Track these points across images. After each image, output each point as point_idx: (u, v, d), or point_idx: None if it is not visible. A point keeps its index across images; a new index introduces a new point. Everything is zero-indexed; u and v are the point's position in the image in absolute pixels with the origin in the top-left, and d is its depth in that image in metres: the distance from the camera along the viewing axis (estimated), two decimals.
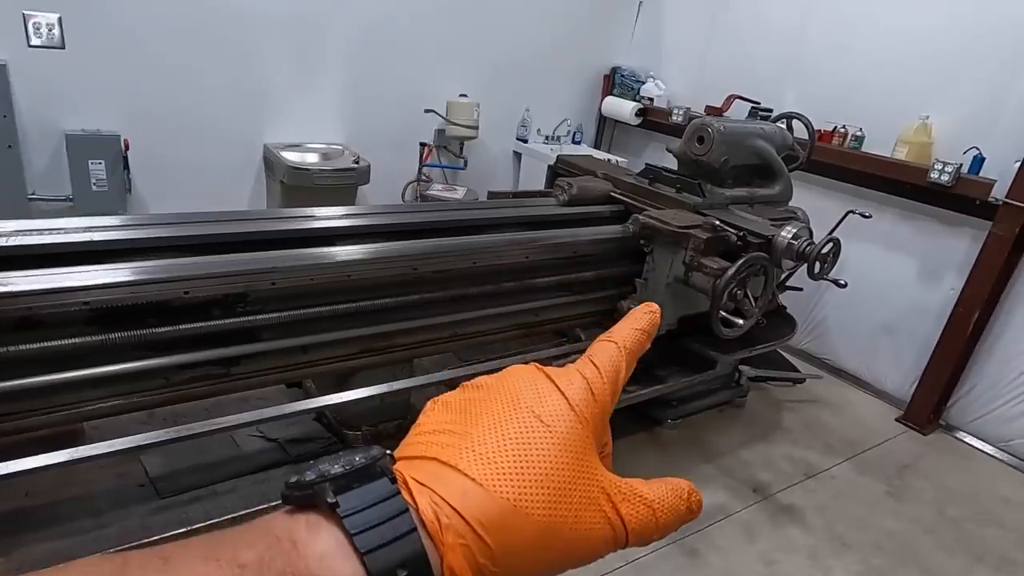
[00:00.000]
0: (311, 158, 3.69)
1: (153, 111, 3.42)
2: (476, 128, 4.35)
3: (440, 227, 2.28)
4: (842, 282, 2.44)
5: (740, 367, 3.50)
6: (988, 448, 3.43)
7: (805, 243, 2.43)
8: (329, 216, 2.16)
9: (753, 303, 2.43)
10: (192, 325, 1.70)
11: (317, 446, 2.12)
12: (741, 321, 2.30)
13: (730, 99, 3.81)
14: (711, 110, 4.00)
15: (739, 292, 2.32)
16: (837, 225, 2.98)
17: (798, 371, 3.91)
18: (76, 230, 1.68)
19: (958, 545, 2.68)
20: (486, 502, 0.35)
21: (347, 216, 2.18)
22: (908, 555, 2.58)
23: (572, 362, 0.45)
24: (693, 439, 3.12)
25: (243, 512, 1.77)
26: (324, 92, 4.00)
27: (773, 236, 2.47)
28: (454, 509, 0.34)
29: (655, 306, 0.47)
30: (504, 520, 0.35)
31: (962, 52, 3.35)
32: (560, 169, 3.27)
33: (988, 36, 3.24)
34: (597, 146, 5.41)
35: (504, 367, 0.45)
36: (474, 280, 2.21)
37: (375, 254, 1.96)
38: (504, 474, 0.35)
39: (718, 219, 2.40)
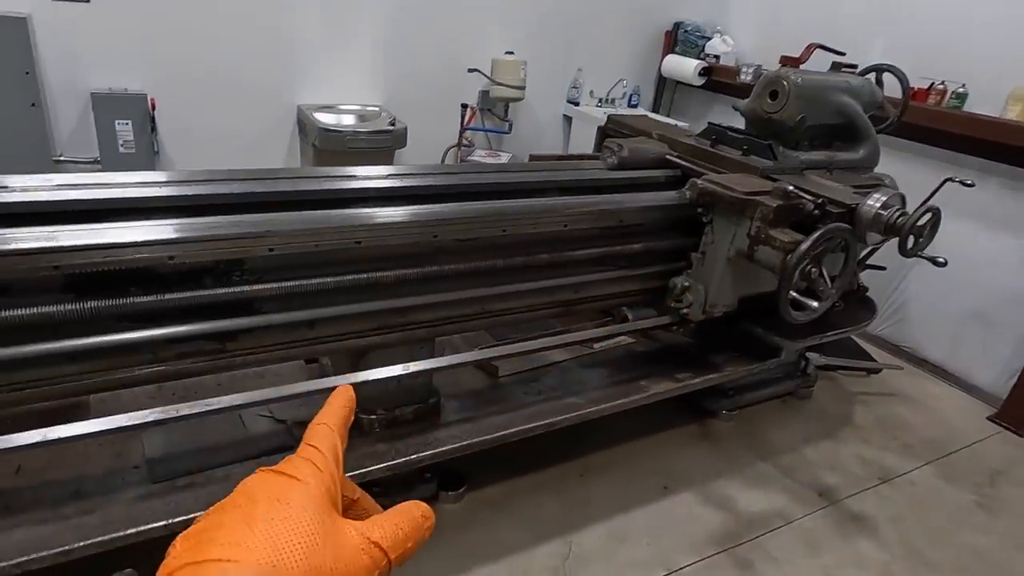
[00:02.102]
0: (345, 120, 3.49)
1: (181, 70, 3.28)
2: (523, 89, 4.05)
3: (470, 191, 2.02)
4: (941, 259, 2.06)
5: (807, 354, 3.14)
6: None
7: (897, 213, 2.06)
8: (347, 176, 1.94)
9: (829, 283, 2.09)
10: (179, 295, 1.52)
11: None
12: (815, 304, 1.97)
13: (810, 48, 3.37)
14: (787, 60, 3.56)
15: (813, 270, 1.99)
16: (931, 195, 2.57)
17: (874, 360, 3.52)
18: (49, 188, 1.51)
19: None
20: (246, 572, 0.38)
21: (367, 177, 1.95)
22: None
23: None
24: (750, 433, 2.81)
25: None
26: (361, 51, 3.77)
27: (858, 205, 2.11)
28: None
29: (348, 387, 0.56)
30: None
31: None
32: (611, 130, 2.96)
33: None
34: (655, 110, 5.02)
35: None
36: (504, 251, 1.95)
37: (388, 218, 1.72)
38: (257, 546, 0.39)
39: (791, 185, 2.06)
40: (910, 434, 2.96)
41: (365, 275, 1.72)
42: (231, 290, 1.59)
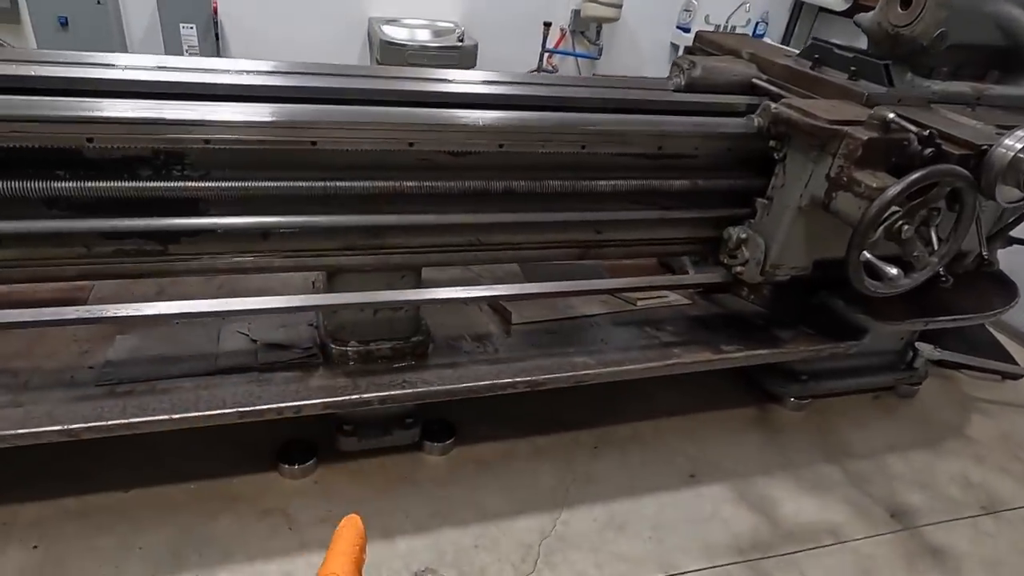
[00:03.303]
0: (409, 34, 3.24)
1: None
2: (618, 7, 3.56)
3: (486, 101, 1.69)
4: None
5: (917, 344, 2.54)
6: None
7: None
8: (334, 73, 1.69)
9: (934, 248, 1.58)
10: (110, 183, 1.37)
11: (291, 355, 1.77)
12: (895, 271, 1.47)
13: None
14: None
15: (906, 227, 1.48)
16: None
17: (1015, 363, 2.81)
18: None
19: None
20: None
21: (361, 76, 1.69)
22: None
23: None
24: (821, 428, 2.32)
25: (153, 418, 1.48)
26: None
27: (989, 147, 1.55)
28: None
29: (354, 517, 0.56)
30: None
31: None
32: (698, 50, 2.47)
33: None
34: (786, 41, 4.30)
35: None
36: (502, 172, 1.63)
37: (352, 117, 1.46)
38: None
39: (893, 113, 1.53)
40: None
41: (322, 183, 1.48)
42: (169, 184, 1.42)
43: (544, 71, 3.70)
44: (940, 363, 2.72)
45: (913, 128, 1.47)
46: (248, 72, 1.53)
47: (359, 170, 1.52)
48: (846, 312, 2.01)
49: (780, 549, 1.84)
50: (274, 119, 1.40)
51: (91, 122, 1.29)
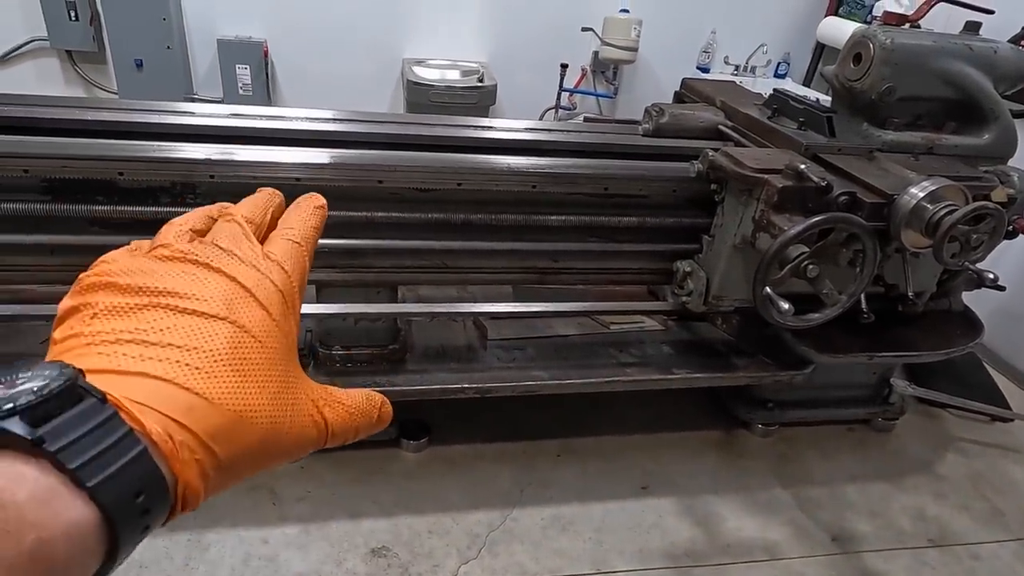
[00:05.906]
0: (435, 75, 3.57)
1: (297, 18, 3.58)
2: (633, 51, 3.78)
3: (453, 144, 1.98)
4: (990, 275, 1.57)
5: (892, 380, 2.60)
6: None
7: (944, 209, 1.60)
8: (324, 119, 2.00)
9: (855, 286, 1.71)
10: (138, 208, 1.71)
11: None
12: (786, 306, 1.62)
13: (929, 2, 2.68)
14: (892, 18, 2.88)
15: (811, 267, 1.64)
16: None
17: (1007, 406, 2.81)
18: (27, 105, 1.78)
19: None
20: (213, 415, 0.33)
21: (343, 120, 1.99)
22: None
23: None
24: (784, 455, 2.43)
25: None
26: (469, 7, 3.80)
27: (897, 195, 1.68)
28: (182, 425, 0.32)
29: (320, 199, 0.48)
30: (232, 430, 0.34)
31: None
32: (684, 96, 2.70)
33: None
34: (807, 82, 4.39)
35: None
36: (462, 206, 1.89)
37: (331, 159, 1.76)
38: (226, 387, 0.34)
39: (804, 163, 1.70)
40: (1009, 501, 2.34)
41: None
42: (185, 209, 1.74)
43: (563, 109, 3.96)
44: (925, 401, 2.77)
45: (815, 178, 1.63)
46: (254, 117, 1.87)
47: (337, 201, 1.81)
48: (793, 344, 2.14)
49: (712, 560, 1.97)
50: (264, 161, 1.71)
51: (121, 160, 1.64)
